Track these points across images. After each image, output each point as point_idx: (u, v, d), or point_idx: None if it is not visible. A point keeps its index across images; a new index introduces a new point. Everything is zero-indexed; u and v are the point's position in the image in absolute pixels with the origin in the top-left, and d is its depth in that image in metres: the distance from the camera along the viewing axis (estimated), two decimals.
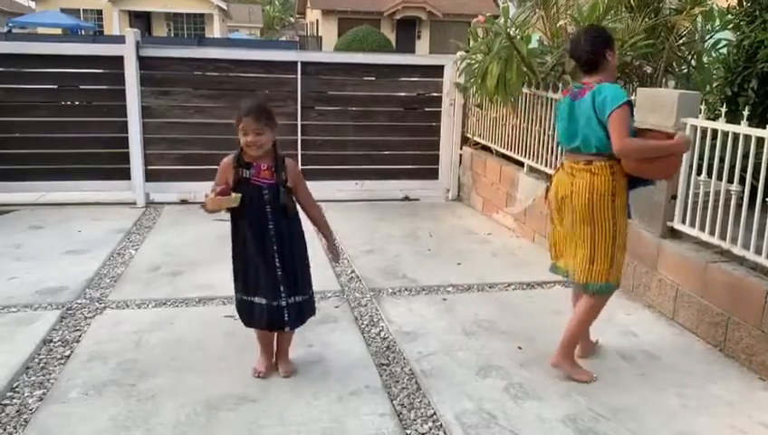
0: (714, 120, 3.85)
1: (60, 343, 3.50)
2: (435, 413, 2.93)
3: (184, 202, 6.58)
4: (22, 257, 4.83)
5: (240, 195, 2.91)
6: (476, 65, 5.86)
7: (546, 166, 5.47)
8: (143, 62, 6.31)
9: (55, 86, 6.42)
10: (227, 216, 3.06)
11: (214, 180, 3.02)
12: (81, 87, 6.48)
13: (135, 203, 6.43)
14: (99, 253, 4.95)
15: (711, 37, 5.87)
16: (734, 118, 3.83)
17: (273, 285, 3.04)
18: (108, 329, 3.69)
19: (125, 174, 6.44)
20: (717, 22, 5.77)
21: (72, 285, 4.29)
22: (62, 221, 5.80)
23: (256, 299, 3.08)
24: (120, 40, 6.53)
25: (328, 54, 10.07)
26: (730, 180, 3.65)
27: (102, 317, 3.85)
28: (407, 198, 7.11)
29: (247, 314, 3.15)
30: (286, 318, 3.08)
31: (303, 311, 3.16)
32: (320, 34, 32.07)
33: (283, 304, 3.06)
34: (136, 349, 3.46)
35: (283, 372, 3.21)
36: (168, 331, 3.68)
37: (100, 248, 5.06)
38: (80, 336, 3.59)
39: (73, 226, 5.66)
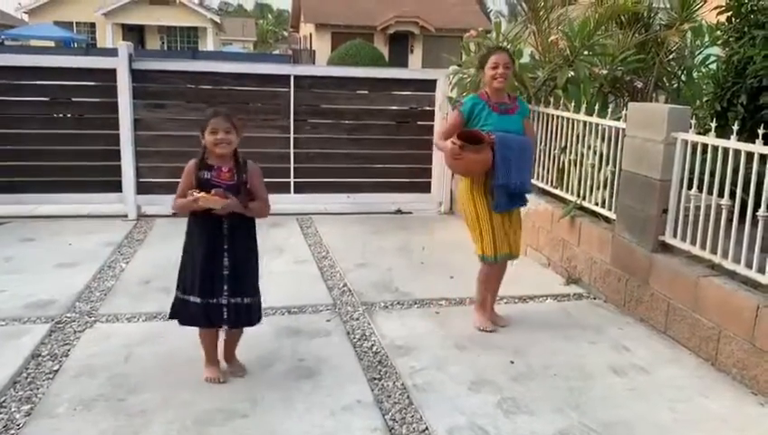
0: (704, 134, 3.88)
1: (48, 357, 3.47)
2: (427, 428, 2.92)
3: (176, 215, 6.53)
4: (12, 270, 4.79)
5: (223, 200, 3.00)
6: (469, 79, 5.89)
7: (537, 179, 5.49)
8: (136, 74, 6.31)
9: (47, 99, 6.41)
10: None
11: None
12: (74, 99, 6.48)
13: (126, 216, 6.40)
14: (89, 266, 4.92)
15: (700, 53, 5.93)
16: (723, 132, 3.87)
17: (216, 283, 3.12)
18: (97, 343, 3.66)
19: (117, 187, 6.42)
20: (707, 37, 5.83)
21: (62, 298, 4.26)
22: (53, 234, 5.76)
23: (191, 298, 3.14)
24: (113, 53, 6.54)
25: (320, 68, 10.13)
26: (720, 194, 3.67)
27: (92, 331, 3.82)
28: (399, 211, 7.11)
29: (185, 313, 3.19)
30: (225, 316, 3.15)
31: (243, 313, 3.19)
32: (313, 48, 32.20)
33: (224, 302, 3.13)
34: (126, 363, 3.42)
35: (234, 374, 3.30)
36: (158, 345, 3.65)
37: (90, 261, 5.02)
38: (69, 350, 3.55)
39: (65, 238, 5.62)
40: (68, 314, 4.02)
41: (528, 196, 3.98)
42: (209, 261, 3.11)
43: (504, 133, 3.76)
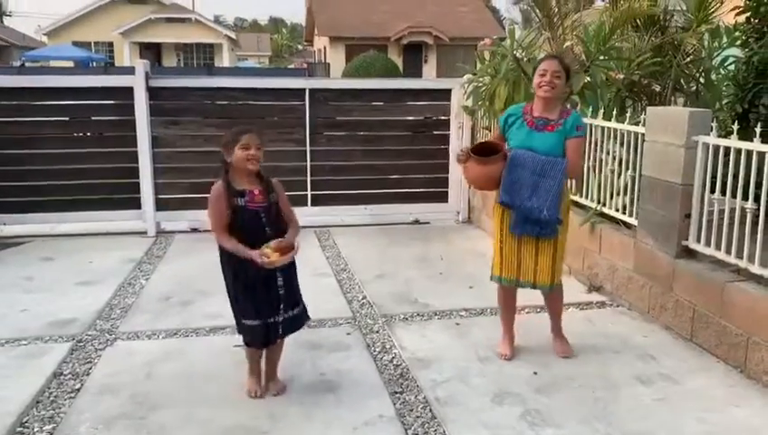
0: (725, 137, 3.81)
1: (70, 375, 3.48)
2: None
3: (195, 230, 6.58)
4: (33, 289, 4.82)
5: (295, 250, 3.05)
6: (484, 88, 5.87)
7: None
8: (153, 92, 6.36)
9: (67, 118, 6.49)
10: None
11: (209, 213, 3.07)
12: (93, 118, 6.55)
13: (146, 232, 6.44)
14: (109, 283, 4.94)
15: (718, 54, 5.84)
16: (745, 135, 3.79)
17: (273, 303, 3.13)
18: (118, 361, 3.66)
19: (136, 203, 6.47)
20: (725, 39, 5.74)
21: (83, 316, 4.28)
22: (73, 252, 5.80)
23: (257, 321, 3.13)
24: (130, 71, 6.59)
25: (335, 81, 10.15)
26: (744, 198, 3.60)
27: (113, 349, 3.83)
28: (417, 222, 7.08)
29: (262, 337, 3.17)
30: (280, 332, 3.19)
31: (297, 321, 3.25)
32: (328, 61, 32.36)
33: (279, 319, 3.15)
34: (146, 380, 3.42)
35: (274, 390, 3.28)
36: (178, 361, 3.65)
37: (110, 279, 5.05)
38: (90, 369, 3.56)
39: (85, 256, 5.66)
40: (89, 333, 4.04)
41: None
42: (265, 284, 3.10)
43: (524, 151, 3.45)
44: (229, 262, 3.12)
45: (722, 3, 5.57)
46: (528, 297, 4.42)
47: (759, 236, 3.48)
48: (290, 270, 3.18)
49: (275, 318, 3.14)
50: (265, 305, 3.12)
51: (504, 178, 3.46)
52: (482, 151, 3.51)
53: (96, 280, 5.03)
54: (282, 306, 3.15)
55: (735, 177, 3.65)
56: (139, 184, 6.42)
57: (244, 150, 3.04)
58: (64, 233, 6.42)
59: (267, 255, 2.95)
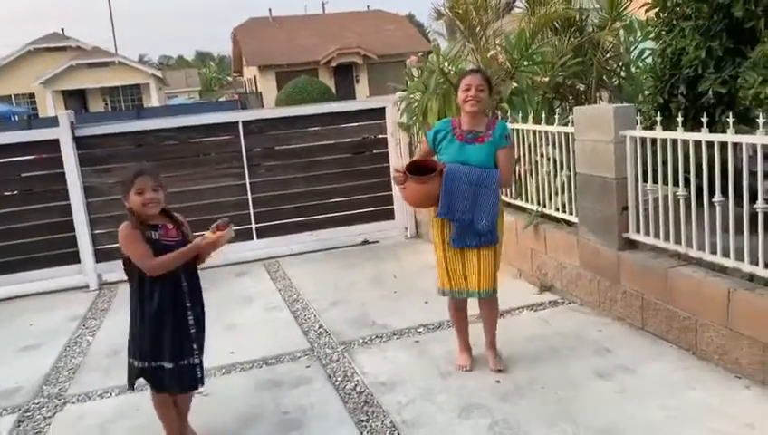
0: (650, 128, 3.95)
1: None
2: None
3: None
4: None
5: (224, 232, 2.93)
6: (416, 103, 5.92)
7: None
8: (80, 142, 6.17)
9: None
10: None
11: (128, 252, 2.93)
12: (22, 175, 6.30)
13: (88, 286, 6.20)
14: (54, 345, 4.73)
15: (635, 48, 6.08)
16: (669, 124, 3.93)
17: (185, 344, 2.98)
18: (70, 426, 3.50)
19: (75, 257, 6.23)
20: (639, 33, 5.98)
21: (28, 383, 4.08)
22: (11, 317, 5.54)
23: (165, 364, 2.95)
24: (55, 122, 6.38)
25: (268, 111, 10.06)
26: (676, 184, 3.72)
27: (63, 414, 3.65)
28: (366, 242, 7.06)
29: (158, 380, 2.99)
30: (199, 376, 3.03)
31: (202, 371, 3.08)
32: (259, 90, 32.21)
33: (196, 361, 3.01)
34: None
35: None
36: (134, 418, 3.51)
37: (54, 340, 4.83)
38: None
39: (24, 320, 5.41)
40: (36, 401, 3.84)
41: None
42: (175, 322, 2.95)
43: (458, 165, 3.49)
44: (147, 296, 2.98)
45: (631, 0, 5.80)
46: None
47: (693, 220, 3.61)
48: (199, 307, 3.04)
49: (190, 360, 2.99)
50: (178, 347, 2.96)
51: (442, 193, 3.48)
52: (416, 170, 3.51)
53: (39, 343, 4.81)
54: (195, 347, 3.00)
55: (665, 164, 3.77)
56: (75, 237, 6.20)
57: (138, 195, 2.89)
58: (0, 297, 6.12)
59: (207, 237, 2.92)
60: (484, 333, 3.77)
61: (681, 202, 3.68)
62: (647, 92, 5.49)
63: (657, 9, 4.86)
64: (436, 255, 3.70)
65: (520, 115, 5.12)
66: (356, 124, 7.05)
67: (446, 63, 5.76)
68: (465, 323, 3.80)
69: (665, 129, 3.78)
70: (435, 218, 3.64)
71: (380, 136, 7.02)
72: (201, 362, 3.04)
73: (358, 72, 33.09)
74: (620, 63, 6.13)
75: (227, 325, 4.75)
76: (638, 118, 3.95)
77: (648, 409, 3.11)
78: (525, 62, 5.50)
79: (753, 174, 3.26)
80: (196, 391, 3.15)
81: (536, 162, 4.98)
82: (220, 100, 35.41)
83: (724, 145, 3.37)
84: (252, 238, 6.65)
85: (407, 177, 3.50)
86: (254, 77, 33.85)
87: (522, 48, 5.46)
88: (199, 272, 3.10)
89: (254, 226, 6.68)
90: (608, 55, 6.09)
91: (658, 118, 3.84)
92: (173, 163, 6.46)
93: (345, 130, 7.04)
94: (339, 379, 3.77)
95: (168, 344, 2.95)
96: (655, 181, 3.88)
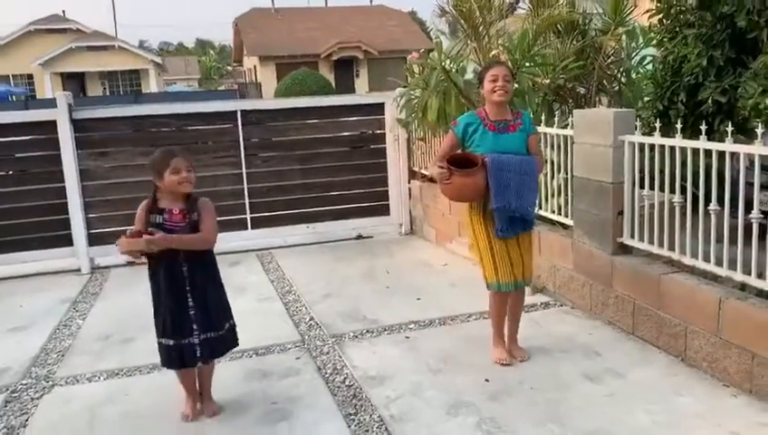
0: (649, 134, 3.96)
1: (5, 430, 3.28)
2: None
3: (131, 264, 6.34)
4: None
5: (146, 238, 2.97)
6: (416, 100, 5.91)
7: None
8: (77, 124, 6.14)
9: None
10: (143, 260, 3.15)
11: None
12: (17, 156, 6.27)
13: (80, 270, 6.19)
14: (44, 327, 4.71)
15: (637, 54, 6.09)
16: (667, 131, 3.95)
17: (185, 324, 3.11)
18: (57, 408, 3.49)
19: (68, 240, 6.21)
20: (641, 39, 5.99)
21: (16, 364, 4.06)
22: (2, 297, 5.52)
23: (164, 341, 3.16)
24: (53, 103, 6.35)
25: (267, 102, 10.03)
26: (672, 191, 3.74)
27: (50, 396, 3.64)
28: (360, 237, 7.06)
29: (178, 359, 3.17)
30: (198, 354, 3.14)
31: (217, 345, 3.23)
32: (259, 81, 32.12)
33: (195, 341, 3.12)
34: (89, 428, 3.27)
35: (208, 413, 3.28)
36: (122, 403, 3.50)
37: (44, 322, 4.82)
38: (27, 420, 3.37)
39: (15, 301, 5.39)
40: (23, 382, 3.83)
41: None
42: (175, 303, 3.10)
43: (500, 154, 3.50)
44: (153, 277, 3.17)
45: (636, 5, 5.81)
46: (473, 304, 4.47)
47: (688, 227, 3.62)
48: (201, 290, 3.14)
49: (190, 340, 3.12)
50: (178, 326, 3.10)
51: (492, 185, 3.48)
52: (456, 164, 3.48)
53: (29, 324, 4.80)
54: (195, 328, 3.12)
55: (662, 171, 3.79)
56: (69, 220, 6.17)
57: (175, 174, 3.04)
58: None
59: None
60: (509, 327, 3.83)
61: (677, 209, 3.69)
62: (646, 99, 5.52)
63: (660, 16, 4.87)
64: (479, 247, 3.66)
65: None
66: (355, 119, 7.05)
67: (447, 61, 5.75)
68: (505, 315, 3.82)
69: (663, 135, 3.78)
70: (475, 212, 3.65)
71: (379, 131, 7.02)
72: (205, 338, 3.14)
73: (358, 67, 33.05)
74: (621, 69, 6.15)
75: None
76: (637, 123, 3.96)
77: (635, 413, 3.12)
78: (527, 64, 5.50)
79: (749, 185, 3.27)
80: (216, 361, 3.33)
81: None
82: (219, 89, 35.32)
83: (721, 154, 3.38)
84: (246, 228, 6.64)
85: (451, 171, 3.46)
86: (255, 67, 33.76)
87: (524, 49, 5.46)
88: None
89: (248, 216, 6.67)
90: (609, 60, 6.10)
91: (658, 124, 3.85)
92: (174, 147, 6.43)
93: (344, 123, 7.03)
94: (328, 371, 3.77)
95: (169, 323, 3.12)
96: (651, 187, 3.89)
